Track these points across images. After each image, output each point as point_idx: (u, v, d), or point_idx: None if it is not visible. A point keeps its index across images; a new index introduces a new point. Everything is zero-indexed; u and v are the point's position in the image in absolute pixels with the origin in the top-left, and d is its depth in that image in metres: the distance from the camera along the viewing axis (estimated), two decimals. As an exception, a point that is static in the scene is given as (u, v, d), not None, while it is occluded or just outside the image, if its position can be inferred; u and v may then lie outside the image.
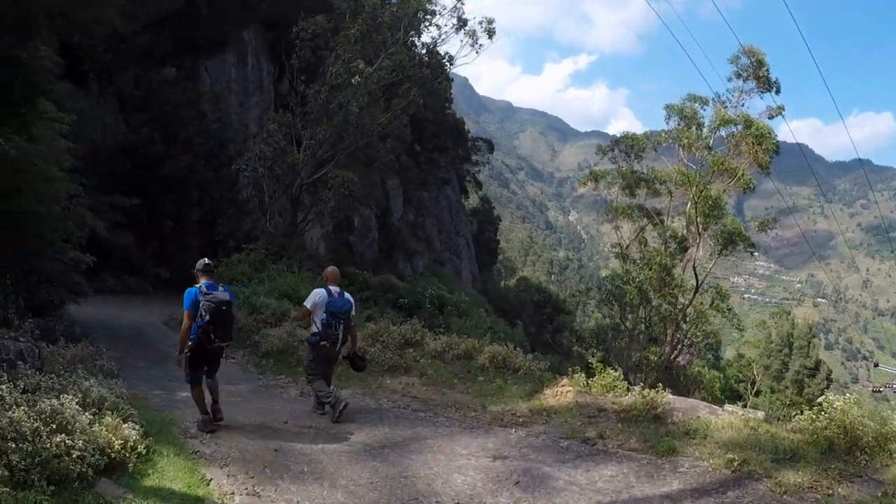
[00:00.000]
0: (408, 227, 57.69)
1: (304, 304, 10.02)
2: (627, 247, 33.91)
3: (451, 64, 35.54)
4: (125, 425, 7.37)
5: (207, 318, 8.73)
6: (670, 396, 9.89)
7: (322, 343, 9.82)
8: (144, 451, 7.22)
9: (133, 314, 22.07)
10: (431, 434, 9.28)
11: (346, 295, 10.15)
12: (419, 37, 37.67)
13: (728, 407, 10.38)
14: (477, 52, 32.55)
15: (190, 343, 8.91)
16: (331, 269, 10.54)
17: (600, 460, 8.25)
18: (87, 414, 7.07)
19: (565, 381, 11.44)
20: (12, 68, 14.21)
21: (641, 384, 14.26)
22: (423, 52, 37.06)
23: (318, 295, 9.82)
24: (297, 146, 29.47)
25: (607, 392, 10.66)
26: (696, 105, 31.77)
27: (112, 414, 7.56)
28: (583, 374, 11.24)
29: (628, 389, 10.66)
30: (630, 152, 33.76)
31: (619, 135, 34.35)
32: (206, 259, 9.36)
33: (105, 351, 13.36)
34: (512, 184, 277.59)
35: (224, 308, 8.85)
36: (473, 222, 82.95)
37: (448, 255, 66.36)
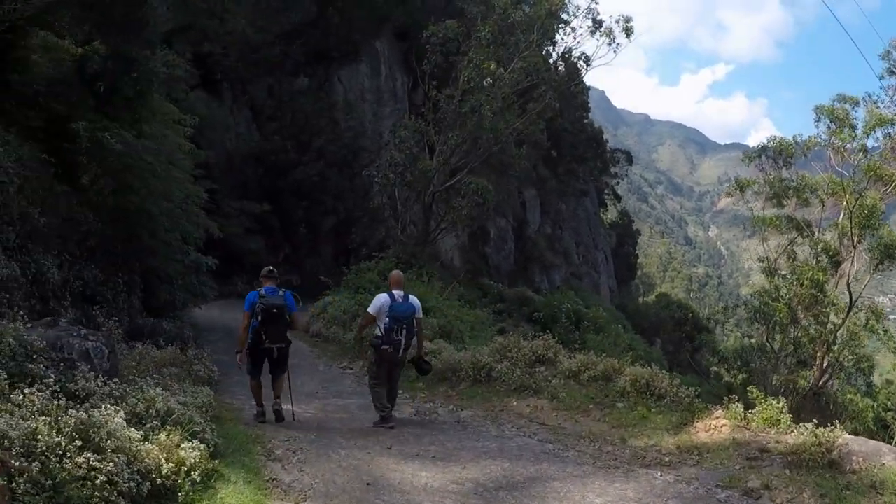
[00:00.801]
0: (545, 239, 56.05)
1: (368, 310, 9.87)
2: (775, 261, 31.26)
3: (587, 65, 34.07)
4: (187, 444, 5.99)
5: (260, 319, 9.24)
6: (847, 436, 7.68)
7: (384, 347, 9.55)
8: (200, 478, 5.75)
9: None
10: (559, 474, 7.36)
11: (412, 299, 9.84)
12: (554, 45, 36.74)
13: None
14: (615, 52, 31.34)
15: (248, 341, 9.44)
16: (395, 273, 10.30)
17: (767, 523, 6.23)
18: (136, 429, 5.79)
19: (720, 412, 9.30)
20: (123, 65, 13.68)
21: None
22: (558, 57, 36.06)
23: (380, 300, 9.65)
24: (429, 153, 28.49)
25: (769, 427, 8.51)
26: (847, 105, 28.84)
27: (176, 429, 6.23)
28: (740, 405, 9.14)
29: (791, 424, 8.53)
30: (777, 159, 31.17)
31: (764, 141, 31.78)
32: (270, 266, 10.03)
33: (207, 355, 12.27)
34: (651, 198, 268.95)
35: (275, 311, 9.28)
36: (612, 236, 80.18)
37: (586, 268, 64.23)
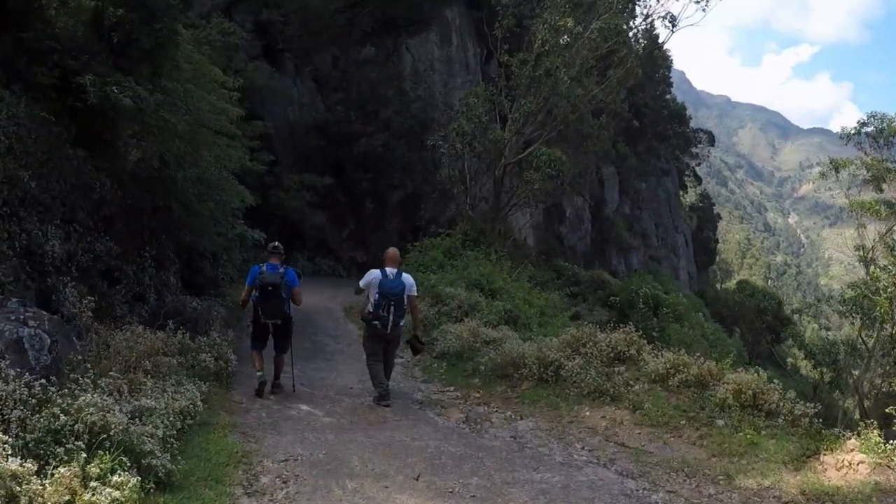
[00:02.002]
0: (623, 220, 53.86)
1: (360, 283, 9.98)
2: (872, 249, 28.89)
3: (672, 26, 31.26)
4: (108, 478, 4.21)
5: (258, 294, 9.47)
6: None
7: (374, 323, 9.56)
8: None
9: (313, 298, 19.18)
10: (643, 538, 5.18)
11: (405, 276, 9.85)
12: (634, 18, 34.54)
13: None
14: (703, 10, 28.39)
15: (252, 315, 9.83)
16: (391, 250, 10.32)
17: None
18: (24, 461, 4.03)
19: (853, 441, 7.07)
20: (142, 15, 12.07)
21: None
22: (637, 28, 33.93)
23: (371, 275, 9.76)
24: (501, 124, 26.59)
25: (918, 466, 6.31)
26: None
27: (103, 455, 4.44)
28: (878, 433, 6.96)
29: None
30: (878, 137, 28.76)
31: (863, 118, 29.46)
32: (275, 242, 10.18)
33: (227, 340, 10.74)
34: (730, 182, 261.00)
35: (269, 289, 9.40)
36: (692, 218, 77.01)
37: (665, 252, 61.72)
